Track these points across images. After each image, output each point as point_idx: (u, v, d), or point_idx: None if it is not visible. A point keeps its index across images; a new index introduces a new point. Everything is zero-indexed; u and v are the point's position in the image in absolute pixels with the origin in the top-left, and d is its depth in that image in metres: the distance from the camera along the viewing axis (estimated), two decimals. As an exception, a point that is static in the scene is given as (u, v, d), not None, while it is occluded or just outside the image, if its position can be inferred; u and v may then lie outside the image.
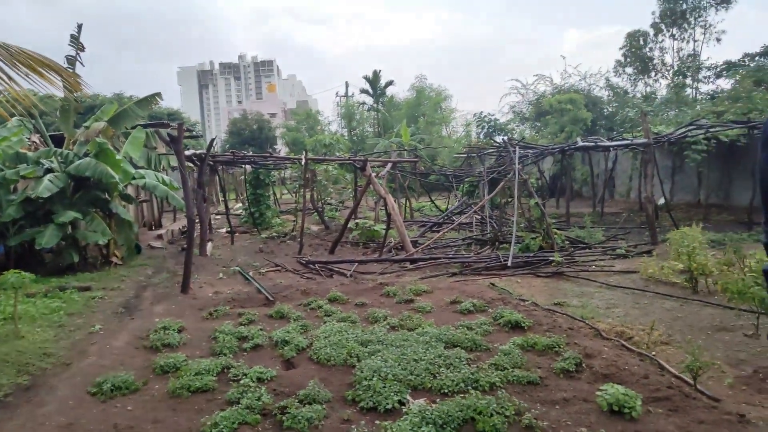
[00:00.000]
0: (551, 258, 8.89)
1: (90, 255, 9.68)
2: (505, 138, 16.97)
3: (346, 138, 38.09)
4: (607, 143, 14.09)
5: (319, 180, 18.65)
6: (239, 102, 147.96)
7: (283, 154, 39.52)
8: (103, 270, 9.36)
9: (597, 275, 8.14)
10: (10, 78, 5.10)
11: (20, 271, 5.79)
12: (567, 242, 10.76)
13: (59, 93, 9.31)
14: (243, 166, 18.64)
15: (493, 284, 7.67)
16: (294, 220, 16.13)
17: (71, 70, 9.83)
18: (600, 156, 18.93)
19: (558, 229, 11.85)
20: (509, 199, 13.17)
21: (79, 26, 10.02)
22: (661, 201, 14.31)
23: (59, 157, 9.47)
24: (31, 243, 8.58)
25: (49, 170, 9.23)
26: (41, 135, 11.19)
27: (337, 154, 28.06)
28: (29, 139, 10.82)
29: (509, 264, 8.80)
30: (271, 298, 7.16)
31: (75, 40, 9.96)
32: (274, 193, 21.54)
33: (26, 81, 5.27)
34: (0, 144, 9.21)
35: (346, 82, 45.09)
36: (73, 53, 10.02)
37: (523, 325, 5.51)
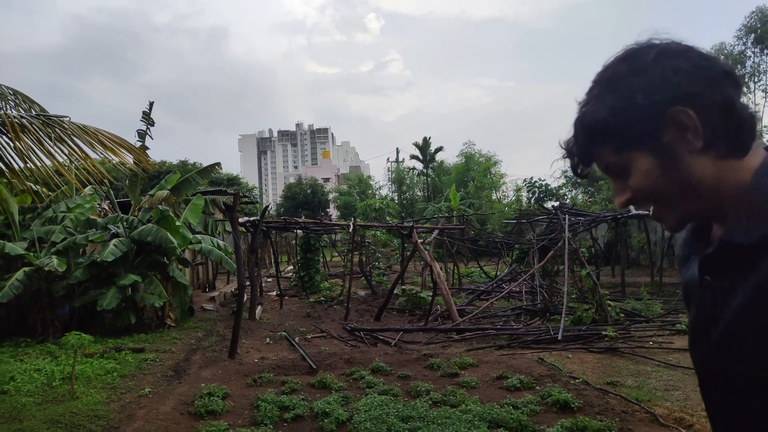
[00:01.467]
0: (604, 332, 8.51)
1: (146, 316, 10.07)
2: (555, 204, 16.78)
3: (396, 202, 38.72)
4: (663, 211, 13.63)
5: (368, 244, 18.89)
6: (295, 167, 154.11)
7: (334, 217, 40.51)
8: (157, 332, 9.69)
9: (655, 353, 7.69)
10: (86, 155, 5.64)
11: (80, 333, 6.11)
12: (622, 315, 10.27)
13: (129, 163, 10.12)
14: (295, 230, 19.19)
15: (542, 359, 7.38)
16: (342, 285, 16.27)
17: (141, 143, 10.71)
18: (657, 223, 18.26)
19: (612, 300, 11.38)
20: (560, 268, 12.85)
21: (151, 104, 10.98)
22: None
23: (125, 223, 10.12)
24: (94, 304, 9.06)
25: (115, 235, 9.86)
26: (110, 202, 12.04)
27: (387, 218, 28.46)
28: (100, 205, 11.67)
29: (560, 337, 8.47)
30: (314, 367, 7.17)
31: (146, 116, 10.89)
32: (324, 257, 21.91)
33: (100, 156, 5.82)
34: (73, 211, 9.98)
35: (397, 149, 46.48)
36: (144, 128, 10.92)
37: (572, 405, 5.25)
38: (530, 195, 32.29)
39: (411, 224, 14.12)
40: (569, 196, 31.06)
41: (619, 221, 15.48)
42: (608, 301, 10.28)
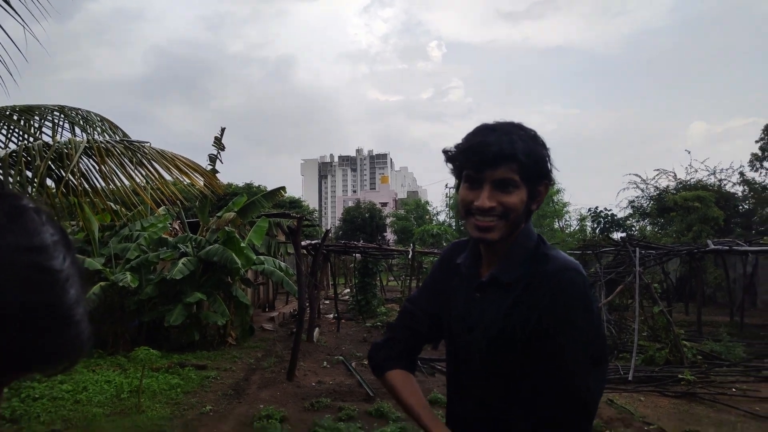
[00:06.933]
0: (681, 375, 7.92)
1: (209, 334, 10.34)
2: (623, 235, 16.02)
3: (454, 228, 38.30)
4: (746, 248, 12.71)
5: (425, 270, 18.71)
6: (354, 191, 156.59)
7: (391, 242, 40.59)
8: (219, 349, 9.92)
9: (739, 401, 7.06)
10: (161, 177, 5.94)
11: (149, 348, 6.35)
12: (699, 357, 9.55)
13: (201, 186, 10.59)
14: (354, 254, 19.33)
15: (611, 400, 6.94)
16: (398, 310, 16.12)
17: (212, 167, 11.17)
18: (736, 259, 17.05)
19: (688, 340, 10.63)
20: (629, 302, 12.16)
21: (222, 130, 11.47)
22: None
23: (193, 243, 10.52)
24: (161, 319, 9.42)
25: (184, 254, 10.26)
26: (181, 222, 12.59)
27: (444, 244, 28.19)
28: (171, 225, 12.21)
29: (630, 378, 7.96)
30: (371, 394, 7.07)
31: (218, 142, 11.38)
32: (381, 281, 21.88)
33: (173, 179, 6.11)
34: (147, 230, 10.49)
35: (456, 174, 46.15)
36: (215, 152, 11.41)
37: (647, 454, 4.87)
38: (595, 225, 31.07)
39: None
40: (637, 227, 29.61)
41: (694, 255, 14.55)
42: (684, 341, 9.61)
